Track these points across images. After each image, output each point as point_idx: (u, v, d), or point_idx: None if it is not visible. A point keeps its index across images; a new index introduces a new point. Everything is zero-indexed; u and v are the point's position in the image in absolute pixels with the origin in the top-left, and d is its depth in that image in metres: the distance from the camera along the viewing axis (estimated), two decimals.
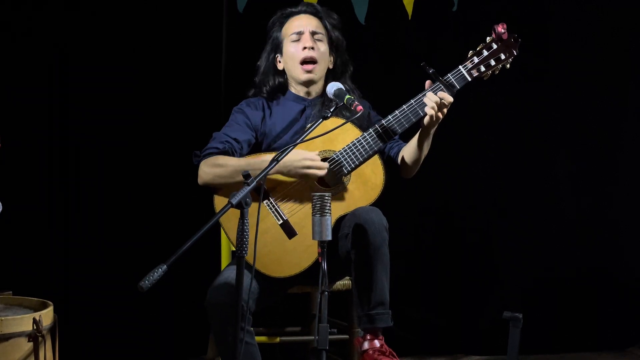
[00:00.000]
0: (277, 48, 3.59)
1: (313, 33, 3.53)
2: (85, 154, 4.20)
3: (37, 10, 4.10)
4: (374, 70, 4.35)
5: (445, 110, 3.28)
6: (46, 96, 4.15)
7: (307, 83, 3.55)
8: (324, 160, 3.32)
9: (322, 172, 3.28)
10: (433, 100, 3.25)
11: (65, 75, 4.17)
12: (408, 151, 3.43)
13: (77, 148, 4.20)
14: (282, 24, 3.58)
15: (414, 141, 3.39)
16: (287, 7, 3.61)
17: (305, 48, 3.50)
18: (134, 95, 4.20)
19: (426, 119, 3.28)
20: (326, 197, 2.92)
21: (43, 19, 4.11)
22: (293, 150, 3.13)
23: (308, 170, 3.28)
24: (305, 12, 3.59)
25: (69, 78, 4.17)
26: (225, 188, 3.32)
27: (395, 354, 3.16)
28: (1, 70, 4.06)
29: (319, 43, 3.53)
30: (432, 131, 3.33)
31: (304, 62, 3.51)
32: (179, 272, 3.22)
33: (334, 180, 3.35)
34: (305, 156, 3.28)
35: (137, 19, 4.20)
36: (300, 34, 3.53)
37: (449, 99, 3.27)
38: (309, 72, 3.52)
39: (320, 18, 3.58)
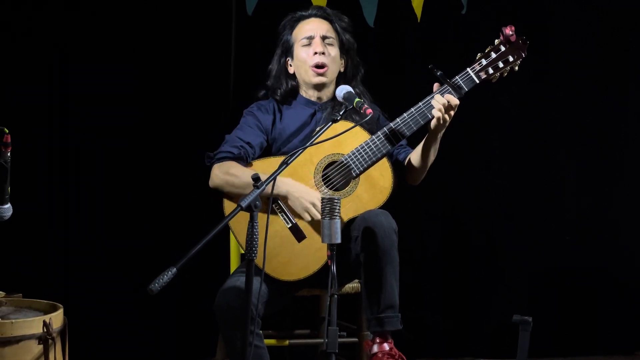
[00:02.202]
0: (288, 52, 3.56)
1: (324, 37, 3.51)
2: (85, 154, 4.19)
3: (37, 10, 4.09)
4: (380, 73, 4.33)
5: (452, 112, 3.27)
6: (46, 96, 4.15)
7: (319, 86, 3.53)
8: (332, 163, 3.33)
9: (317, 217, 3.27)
10: (440, 103, 3.24)
11: (65, 75, 4.16)
12: (415, 156, 3.42)
13: (77, 148, 4.19)
14: (292, 28, 3.56)
15: (421, 145, 3.38)
16: (297, 11, 3.59)
17: (316, 53, 3.49)
18: (134, 95, 4.20)
19: (433, 122, 3.28)
20: (335, 200, 2.92)
21: (43, 19, 4.10)
22: (309, 189, 3.24)
23: (310, 210, 3.27)
24: (315, 15, 3.56)
25: (69, 78, 4.16)
26: (235, 196, 3.32)
27: (404, 357, 3.16)
28: (1, 70, 4.05)
29: (329, 47, 3.51)
30: (440, 135, 3.33)
31: (315, 67, 3.49)
32: (187, 274, 3.21)
33: (342, 184, 3.34)
34: (318, 198, 3.27)
35: (138, 19, 4.19)
36: (310, 38, 3.51)
37: (454, 101, 3.26)
38: (320, 75, 3.50)
39: (330, 21, 3.56)
